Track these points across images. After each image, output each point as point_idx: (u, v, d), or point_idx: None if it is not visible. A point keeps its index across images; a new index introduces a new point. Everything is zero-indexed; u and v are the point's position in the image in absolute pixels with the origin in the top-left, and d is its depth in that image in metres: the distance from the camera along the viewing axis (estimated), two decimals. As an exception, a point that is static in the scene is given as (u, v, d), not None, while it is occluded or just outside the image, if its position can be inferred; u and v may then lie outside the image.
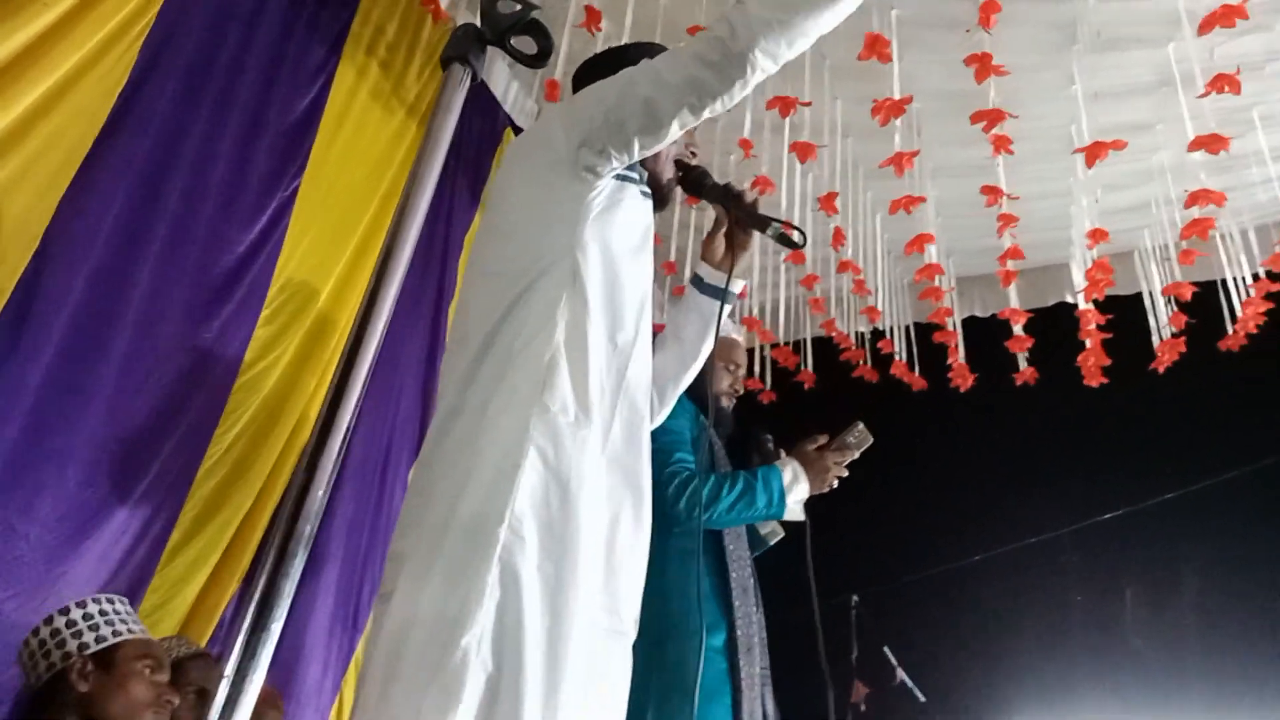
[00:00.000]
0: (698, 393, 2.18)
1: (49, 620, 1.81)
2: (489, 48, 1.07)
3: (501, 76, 3.69)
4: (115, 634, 1.81)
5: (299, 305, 2.65)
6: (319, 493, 0.84)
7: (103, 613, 1.84)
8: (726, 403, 2.53)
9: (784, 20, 1.36)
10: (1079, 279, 3.95)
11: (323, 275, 2.75)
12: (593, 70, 1.77)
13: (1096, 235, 3.41)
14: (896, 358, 4.38)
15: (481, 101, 3.59)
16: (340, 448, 0.87)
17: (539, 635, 1.22)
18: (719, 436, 2.43)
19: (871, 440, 2.41)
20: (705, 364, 1.90)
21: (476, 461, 1.30)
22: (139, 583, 2.13)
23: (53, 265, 1.97)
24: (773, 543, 2.56)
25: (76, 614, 1.81)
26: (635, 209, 1.62)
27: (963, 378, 4.28)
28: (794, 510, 2.31)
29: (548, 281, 1.44)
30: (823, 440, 2.39)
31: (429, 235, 3.28)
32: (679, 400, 1.92)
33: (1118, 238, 3.71)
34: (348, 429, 0.88)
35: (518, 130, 3.81)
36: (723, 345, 2.44)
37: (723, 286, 1.85)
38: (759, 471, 2.27)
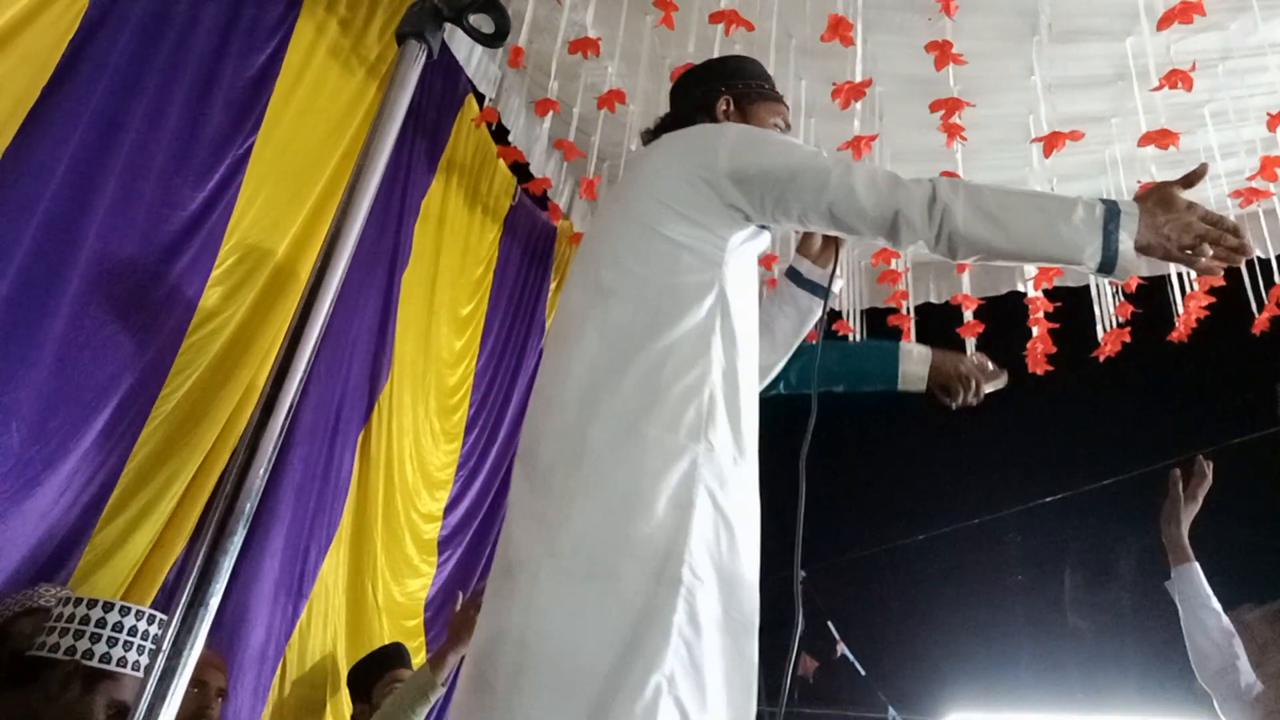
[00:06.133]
0: None
1: (91, 603, 1.69)
2: (446, 24, 1.06)
3: (464, 41, 3.63)
4: (120, 663, 1.67)
5: (251, 266, 2.60)
6: (260, 470, 0.84)
7: (132, 630, 1.71)
8: None
9: (978, 246, 1.39)
10: (1030, 267, 4.01)
11: (276, 236, 2.70)
12: (697, 80, 1.84)
13: (1050, 225, 3.45)
14: (852, 339, 4.42)
15: (443, 66, 3.54)
16: (283, 424, 0.87)
17: (718, 681, 1.19)
18: None
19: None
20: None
21: (643, 487, 1.24)
22: (75, 542, 2.09)
23: (1, 212, 1.93)
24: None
25: (112, 617, 1.69)
26: (759, 246, 1.64)
27: (920, 360, 4.33)
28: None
29: (699, 312, 1.40)
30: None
31: (385, 200, 3.23)
32: None
33: (1070, 228, 3.76)
34: (291, 405, 0.88)
35: (479, 96, 3.74)
36: None
37: (821, 283, 1.89)
38: None
